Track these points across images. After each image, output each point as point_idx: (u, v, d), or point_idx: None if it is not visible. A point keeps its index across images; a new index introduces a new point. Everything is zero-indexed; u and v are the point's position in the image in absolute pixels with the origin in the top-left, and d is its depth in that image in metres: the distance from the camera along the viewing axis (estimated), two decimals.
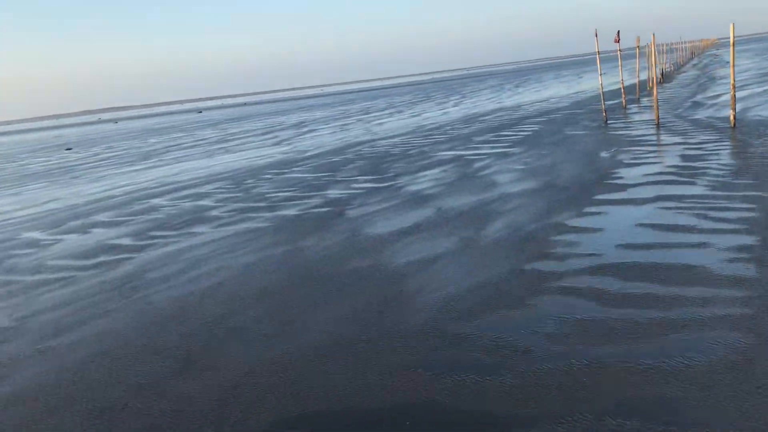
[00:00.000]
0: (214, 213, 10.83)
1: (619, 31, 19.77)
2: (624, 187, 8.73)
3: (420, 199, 9.87)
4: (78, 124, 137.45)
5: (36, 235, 11.13)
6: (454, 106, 34.40)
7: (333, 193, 11.35)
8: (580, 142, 13.95)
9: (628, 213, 7.49)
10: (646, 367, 3.87)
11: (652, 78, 30.66)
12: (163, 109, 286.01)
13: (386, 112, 37.65)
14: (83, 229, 10.98)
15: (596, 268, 5.71)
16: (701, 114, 16.50)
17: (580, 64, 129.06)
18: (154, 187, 15.41)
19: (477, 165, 12.56)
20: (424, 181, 11.54)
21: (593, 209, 7.83)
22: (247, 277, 6.89)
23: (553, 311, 4.91)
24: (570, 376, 3.89)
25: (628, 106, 20.90)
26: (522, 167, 11.64)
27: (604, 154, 11.93)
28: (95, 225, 11.33)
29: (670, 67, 44.01)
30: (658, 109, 15.66)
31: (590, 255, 6.08)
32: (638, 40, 26.49)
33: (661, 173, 9.39)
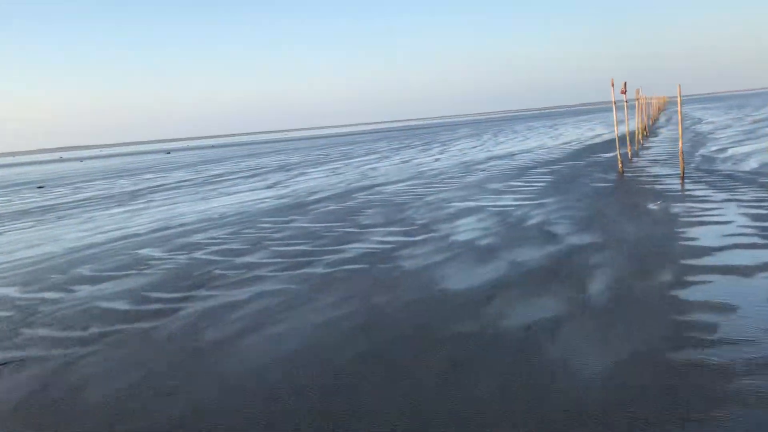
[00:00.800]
0: (243, 263, 9.79)
1: (625, 83, 19.69)
2: (710, 251, 7.90)
3: (479, 251, 9.03)
4: (39, 162, 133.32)
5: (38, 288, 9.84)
6: (440, 154, 34.04)
7: (361, 245, 10.30)
8: (612, 194, 13.42)
9: (747, 285, 6.58)
10: None
11: (640, 131, 30.91)
12: (125, 149, 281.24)
13: (371, 157, 37.07)
14: (94, 280, 9.78)
15: None
16: (722, 167, 16.26)
17: (543, 117, 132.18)
18: (155, 231, 14.20)
19: (515, 214, 11.84)
20: (467, 230, 10.73)
21: (696, 278, 6.88)
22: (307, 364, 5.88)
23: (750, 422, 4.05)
24: None
25: (633, 159, 20.68)
26: (568, 218, 10.95)
27: (651, 206, 11.36)
28: (100, 277, 10.11)
29: (650, 121, 44.81)
30: (683, 160, 15.35)
31: (749, 342, 5.12)
32: (638, 92, 26.74)
33: (741, 234, 8.66)
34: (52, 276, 10.19)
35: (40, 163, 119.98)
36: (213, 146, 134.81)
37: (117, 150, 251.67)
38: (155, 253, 11.31)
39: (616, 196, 13.09)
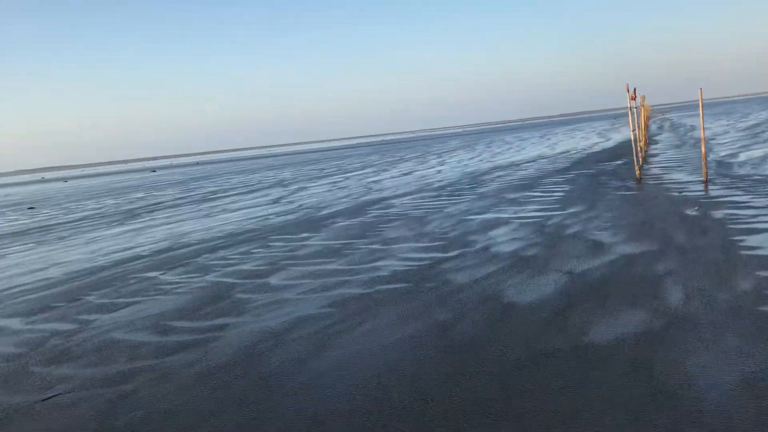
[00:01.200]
0: (278, 280, 9.22)
1: (635, 89, 19.48)
2: None
3: (529, 262, 8.55)
4: (21, 183, 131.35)
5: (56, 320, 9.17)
6: (440, 165, 33.67)
7: (393, 262, 9.72)
8: (641, 201, 13.05)
9: None
10: None
11: (640, 139, 30.77)
12: (107, 168, 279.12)
13: (369, 171, 36.61)
14: (106, 308, 9.14)
15: None
16: (742, 171, 15.99)
17: (529, 128, 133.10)
18: (162, 252, 13.56)
19: (549, 224, 11.40)
20: (505, 241, 10.27)
21: None
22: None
23: None
24: None
25: (644, 166, 20.40)
26: (607, 227, 10.53)
27: (691, 213, 10.99)
28: (112, 304, 9.49)
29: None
30: (706, 165, 15.06)
31: None
32: (643, 99, 26.59)
33: None
34: (60, 304, 9.44)
35: (23, 184, 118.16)
36: (198, 163, 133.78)
37: (99, 169, 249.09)
38: (166, 276, 10.60)
39: (645, 203, 12.72)
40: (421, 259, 9.59)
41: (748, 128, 36.13)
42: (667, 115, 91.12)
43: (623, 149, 29.95)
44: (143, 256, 13.04)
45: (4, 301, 10.22)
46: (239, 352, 6.26)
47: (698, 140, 30.63)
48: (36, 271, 12.89)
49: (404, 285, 8.09)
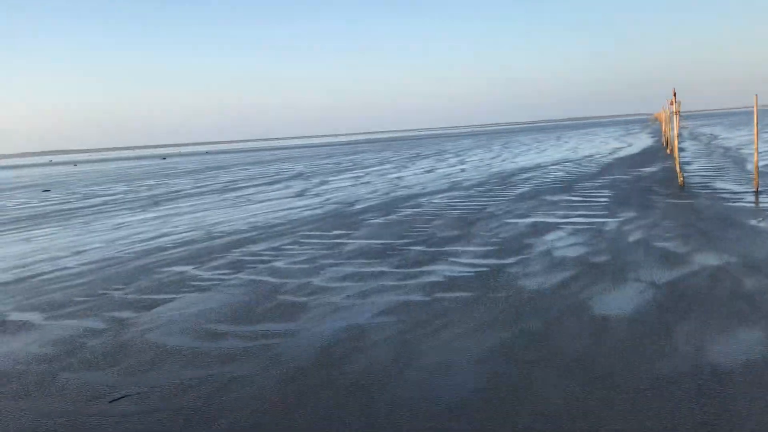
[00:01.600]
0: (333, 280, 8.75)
1: (675, 93, 19.00)
2: None
3: (602, 270, 8.06)
4: (29, 165, 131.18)
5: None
6: (461, 164, 33.15)
7: (446, 267, 9.27)
8: (698, 210, 12.55)
9: None
10: None
11: (669, 144, 30.11)
12: (115, 154, 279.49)
13: (388, 166, 36.12)
14: (138, 306, 8.68)
15: None
16: None
17: (538, 130, 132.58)
18: (189, 243, 13.12)
19: (606, 230, 10.92)
20: (565, 246, 9.78)
21: None
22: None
23: None
24: None
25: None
26: (672, 236, 10.05)
27: (756, 223, 10.51)
28: (144, 301, 9.03)
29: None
30: (758, 173, 14.55)
31: None
32: (679, 105, 26.01)
33: None
34: (87, 298, 8.98)
35: (31, 166, 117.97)
36: (208, 153, 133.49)
37: (105, 155, 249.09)
38: (198, 271, 10.03)
39: (702, 212, 12.23)
40: (477, 265, 9.08)
41: None
42: (684, 123, 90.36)
43: (650, 156, 29.41)
44: (170, 248, 12.60)
45: (39, 290, 9.79)
46: (310, 363, 5.80)
47: (727, 148, 30.10)
48: (63, 257, 12.46)
49: (469, 294, 7.56)
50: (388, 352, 5.78)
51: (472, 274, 8.53)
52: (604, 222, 11.87)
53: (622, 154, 32.73)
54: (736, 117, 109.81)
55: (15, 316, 8.17)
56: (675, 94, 17.19)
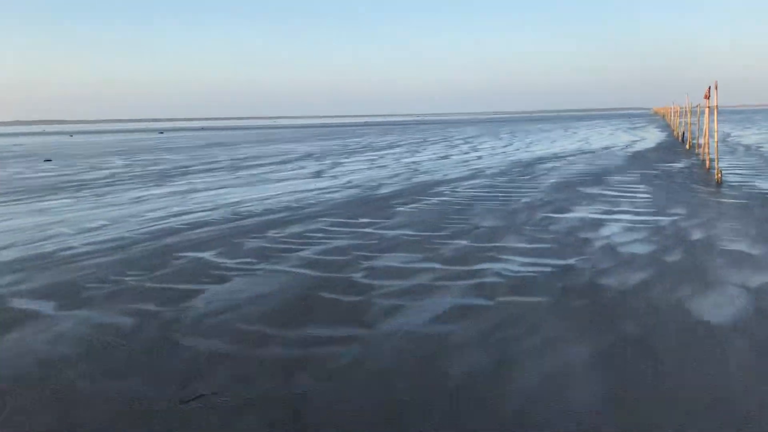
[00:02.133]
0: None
1: (709, 87, 18.45)
2: None
3: (683, 270, 7.50)
4: (24, 133, 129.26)
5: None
6: (475, 151, 32.52)
7: (502, 266, 8.58)
8: (751, 209, 12.03)
9: None
10: None
11: (683, 138, 29.55)
12: (109, 126, 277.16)
13: (399, 150, 35.42)
14: (159, 298, 8.05)
15: None
16: None
17: (540, 120, 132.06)
18: (205, 224, 12.48)
19: (662, 225, 10.37)
20: (628, 243, 9.23)
21: None
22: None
23: None
24: None
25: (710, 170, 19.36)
26: (739, 236, 9.51)
27: None
28: (163, 294, 8.39)
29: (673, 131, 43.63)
30: None
31: None
32: (713, 95, 25.40)
33: None
34: (99, 287, 8.34)
35: (26, 134, 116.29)
36: (203, 128, 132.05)
37: (100, 126, 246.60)
38: (219, 258, 9.13)
39: (756, 211, 11.70)
40: (537, 264, 8.42)
41: None
42: (690, 120, 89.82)
43: (668, 151, 28.92)
44: (185, 228, 11.94)
45: (68, 268, 9.15)
46: (388, 377, 5.22)
47: (748, 146, 29.64)
48: (89, 231, 11.79)
49: (540, 298, 6.87)
50: (478, 364, 5.20)
51: (536, 274, 7.90)
52: (656, 219, 11.31)
53: (638, 147, 32.19)
54: (738, 114, 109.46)
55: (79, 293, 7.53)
56: (717, 87, 16.59)
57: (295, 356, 5.45)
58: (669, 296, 6.68)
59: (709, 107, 18.64)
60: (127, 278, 8.22)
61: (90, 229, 12.02)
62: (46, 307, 7.10)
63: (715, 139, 17.65)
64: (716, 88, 16.54)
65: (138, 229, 11.91)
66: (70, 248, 10.30)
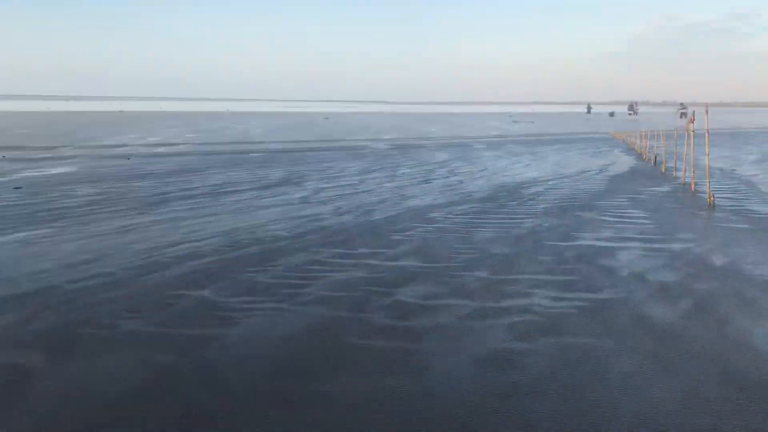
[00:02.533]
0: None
1: (694, 111, 18.71)
2: None
3: (729, 301, 7.31)
4: None
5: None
6: (451, 174, 32.34)
7: (528, 302, 8.33)
8: (754, 233, 12.02)
9: None
10: None
11: (656, 161, 30.15)
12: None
13: (374, 175, 35.04)
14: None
15: None
16: None
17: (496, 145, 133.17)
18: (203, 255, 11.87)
19: (678, 251, 10.24)
20: (651, 270, 9.05)
21: None
22: None
23: None
24: None
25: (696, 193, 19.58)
26: (756, 262, 9.42)
27: None
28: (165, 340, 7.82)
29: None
30: None
31: None
32: (703, 119, 25.80)
33: None
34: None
35: None
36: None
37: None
38: (217, 297, 8.72)
39: (761, 234, 11.69)
40: (568, 298, 8.10)
41: (756, 161, 36.06)
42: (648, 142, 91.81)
43: (646, 174, 29.20)
44: (173, 262, 11.34)
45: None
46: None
47: (721, 170, 30.20)
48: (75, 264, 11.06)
49: (587, 339, 6.59)
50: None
51: (572, 310, 7.57)
52: (669, 246, 11.20)
53: (613, 171, 32.44)
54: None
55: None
56: (708, 112, 16.77)
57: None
58: (725, 327, 6.43)
59: (694, 131, 18.87)
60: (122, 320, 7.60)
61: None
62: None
63: (706, 163, 17.81)
64: (707, 112, 16.73)
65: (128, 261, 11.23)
66: (54, 287, 9.60)
